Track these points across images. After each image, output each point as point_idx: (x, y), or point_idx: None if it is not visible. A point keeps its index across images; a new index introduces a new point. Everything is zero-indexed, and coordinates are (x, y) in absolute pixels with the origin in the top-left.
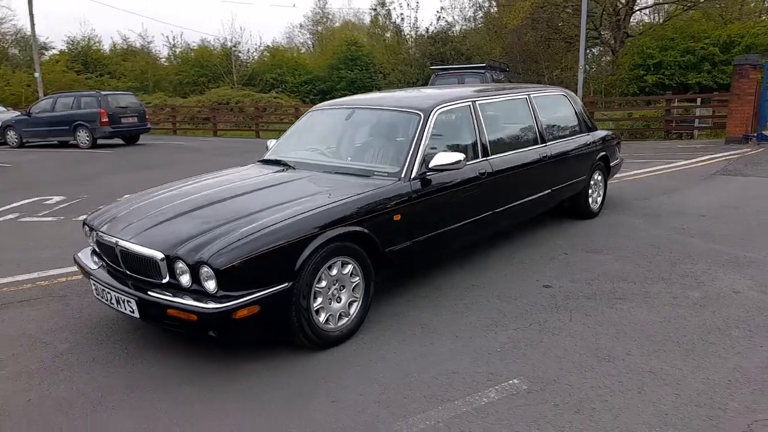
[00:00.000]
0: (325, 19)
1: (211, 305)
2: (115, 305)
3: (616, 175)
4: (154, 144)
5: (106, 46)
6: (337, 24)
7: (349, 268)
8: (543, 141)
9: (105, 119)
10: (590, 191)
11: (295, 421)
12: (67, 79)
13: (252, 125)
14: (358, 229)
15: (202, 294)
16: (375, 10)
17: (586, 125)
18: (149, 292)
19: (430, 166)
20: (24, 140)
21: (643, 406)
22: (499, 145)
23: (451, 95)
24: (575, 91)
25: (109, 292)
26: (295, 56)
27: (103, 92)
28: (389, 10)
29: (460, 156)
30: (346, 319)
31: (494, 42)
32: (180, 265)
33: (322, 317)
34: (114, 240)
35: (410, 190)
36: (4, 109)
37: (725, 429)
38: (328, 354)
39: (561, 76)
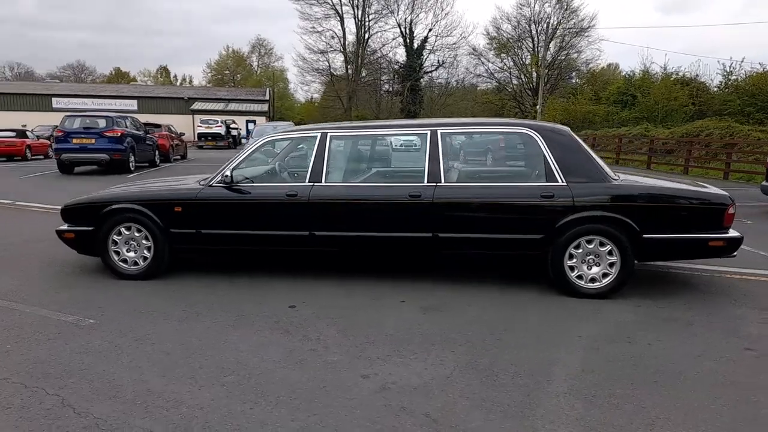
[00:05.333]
0: None
1: (58, 228)
2: None
3: None
4: None
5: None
6: None
7: (142, 234)
8: (434, 180)
9: None
10: (570, 260)
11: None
12: (584, 110)
13: (722, 163)
14: (138, 207)
15: None
16: None
17: (563, 173)
18: None
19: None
20: None
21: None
22: (344, 174)
23: (304, 127)
24: None
25: None
26: None
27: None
28: None
29: (227, 172)
30: (137, 266)
31: None
32: None
33: (118, 258)
34: None
35: (197, 194)
36: None
37: None
38: (120, 282)
39: None
